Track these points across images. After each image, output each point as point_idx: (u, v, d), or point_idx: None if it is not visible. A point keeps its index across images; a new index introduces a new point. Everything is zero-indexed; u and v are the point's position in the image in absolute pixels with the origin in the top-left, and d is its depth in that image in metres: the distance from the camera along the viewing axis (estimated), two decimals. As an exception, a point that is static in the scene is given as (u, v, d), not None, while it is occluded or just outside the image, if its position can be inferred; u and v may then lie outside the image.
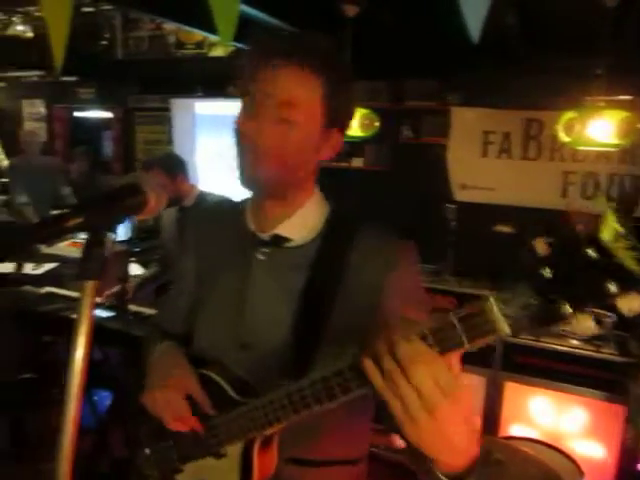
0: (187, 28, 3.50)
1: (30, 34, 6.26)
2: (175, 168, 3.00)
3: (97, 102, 6.61)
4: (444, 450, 0.70)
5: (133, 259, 4.08)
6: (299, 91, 0.91)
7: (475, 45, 1.07)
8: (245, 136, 0.95)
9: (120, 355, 2.99)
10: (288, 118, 0.92)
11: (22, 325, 3.16)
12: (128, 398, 2.81)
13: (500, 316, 0.65)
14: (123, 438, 2.75)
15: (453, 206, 4.00)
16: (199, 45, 5.68)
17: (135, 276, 3.12)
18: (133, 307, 2.62)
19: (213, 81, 5.49)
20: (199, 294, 1.12)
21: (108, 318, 2.57)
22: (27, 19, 6.04)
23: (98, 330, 2.64)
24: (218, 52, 5.58)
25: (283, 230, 1.03)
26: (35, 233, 0.74)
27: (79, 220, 0.74)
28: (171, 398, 0.98)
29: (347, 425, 1.00)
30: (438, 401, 0.65)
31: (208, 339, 1.08)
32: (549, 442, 2.54)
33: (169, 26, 5.96)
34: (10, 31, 5.87)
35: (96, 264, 0.72)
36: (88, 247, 0.73)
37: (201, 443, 1.00)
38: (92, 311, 0.72)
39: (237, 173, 0.99)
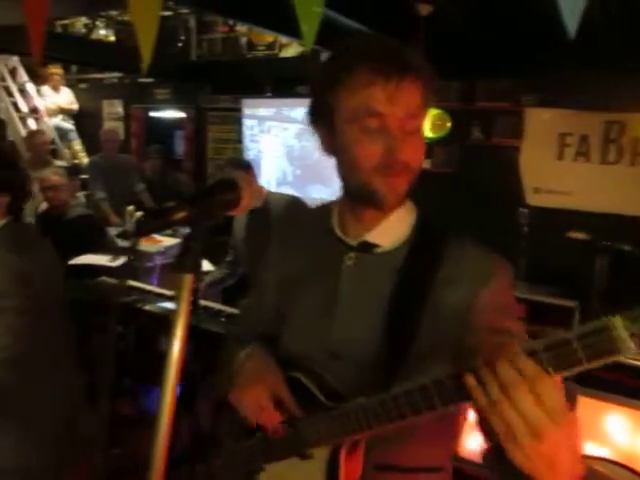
0: (265, 31, 3.55)
1: (112, 38, 6.59)
2: (245, 169, 3.04)
3: (171, 102, 6.85)
4: (547, 473, 0.68)
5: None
6: (417, 101, 0.92)
7: (557, 43, 1.02)
8: (374, 154, 0.92)
9: (189, 348, 3.09)
10: (414, 130, 0.94)
11: (97, 315, 3.32)
12: (195, 391, 2.90)
13: (626, 335, 0.62)
14: (190, 430, 2.84)
15: (526, 210, 3.87)
16: (270, 46, 5.77)
17: (206, 272, 3.20)
18: (203, 302, 2.69)
19: (283, 81, 5.58)
20: (285, 299, 1.11)
21: (179, 312, 2.65)
22: (110, 23, 6.36)
23: (169, 322, 2.73)
24: (288, 53, 5.65)
25: (373, 237, 1.01)
26: (145, 224, 0.77)
27: (184, 214, 0.76)
28: (259, 397, 0.99)
29: (433, 432, 0.97)
30: (544, 426, 0.64)
31: (296, 345, 1.07)
32: (625, 463, 2.41)
33: (241, 28, 6.11)
34: (94, 35, 6.21)
35: (194, 258, 0.73)
36: (187, 241, 0.74)
37: (286, 443, 1.00)
38: (189, 304, 0.74)
39: (346, 184, 1.01)
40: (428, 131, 3.36)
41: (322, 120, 0.98)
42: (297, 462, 1.00)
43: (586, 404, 3.05)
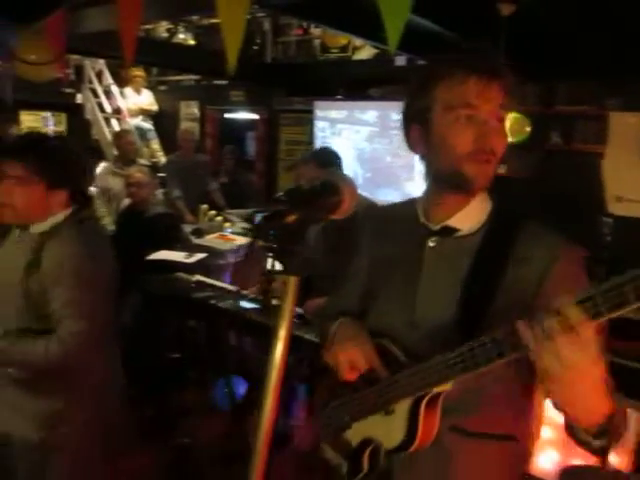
0: (344, 34, 3.54)
1: (191, 41, 6.84)
2: (329, 163, 2.93)
3: (245, 104, 7.02)
4: (579, 406, 0.86)
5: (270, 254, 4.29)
6: (501, 100, 1.05)
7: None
8: (467, 141, 1.04)
9: (257, 345, 3.14)
10: (499, 123, 1.06)
11: (173, 309, 3.45)
12: (261, 387, 2.95)
13: None
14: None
15: (610, 220, 3.68)
16: (343, 49, 5.80)
17: (278, 272, 3.22)
18: (275, 302, 2.73)
19: (355, 83, 5.59)
20: (375, 280, 1.24)
21: (251, 309, 2.72)
22: (190, 27, 6.59)
23: (240, 319, 2.79)
24: (361, 55, 5.66)
25: (453, 222, 1.12)
26: (262, 227, 0.80)
27: (293, 217, 0.79)
28: (351, 356, 1.13)
29: (508, 401, 1.08)
30: (575, 365, 0.78)
31: (382, 317, 1.19)
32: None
33: (315, 31, 6.17)
34: (175, 38, 6.46)
35: (299, 260, 0.75)
36: (291, 244, 0.76)
37: (372, 400, 1.12)
38: (294, 306, 0.75)
39: (439, 172, 1.12)
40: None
41: (418, 119, 1.10)
42: (381, 418, 1.11)
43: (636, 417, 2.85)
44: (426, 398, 1.03)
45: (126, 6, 1.83)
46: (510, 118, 3.26)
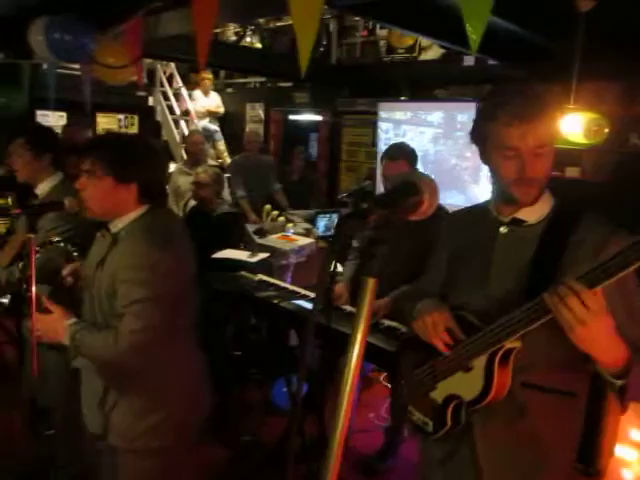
0: (415, 34, 3.47)
1: (258, 45, 6.96)
2: (414, 162, 2.89)
3: (309, 106, 7.06)
4: (597, 350, 1.12)
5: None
6: (546, 134, 1.28)
7: None
8: (511, 173, 1.30)
9: (318, 346, 3.14)
10: (543, 153, 1.28)
11: (236, 306, 3.50)
12: (321, 387, 2.94)
13: None
14: (316, 424, 2.89)
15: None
16: (409, 49, 5.73)
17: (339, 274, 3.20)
18: (337, 304, 2.72)
19: (421, 84, 5.51)
20: (455, 266, 1.49)
21: (313, 310, 2.71)
22: (257, 31, 6.71)
23: (302, 319, 2.78)
24: (428, 56, 5.57)
25: (522, 214, 1.36)
26: (346, 224, 0.82)
27: (375, 217, 0.80)
28: (435, 322, 1.36)
29: (571, 363, 1.23)
30: (587, 318, 1.06)
31: (461, 294, 1.42)
32: None
33: (381, 32, 6.13)
34: (242, 42, 6.58)
35: (378, 262, 0.73)
36: (371, 245, 0.74)
37: (453, 361, 1.34)
38: (370, 308, 0.73)
39: (500, 190, 1.39)
40: (582, 137, 3.10)
41: (479, 143, 1.36)
42: (462, 375, 1.32)
43: None
44: (499, 354, 1.24)
45: (201, 10, 1.87)
46: (587, 119, 3.10)
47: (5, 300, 2.35)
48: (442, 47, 5.14)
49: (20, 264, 2.03)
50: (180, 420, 1.79)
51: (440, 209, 2.91)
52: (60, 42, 2.38)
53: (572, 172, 4.25)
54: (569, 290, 1.06)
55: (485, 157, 1.36)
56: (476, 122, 1.36)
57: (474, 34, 1.22)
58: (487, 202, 1.48)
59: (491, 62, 4.46)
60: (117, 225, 1.73)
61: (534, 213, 1.35)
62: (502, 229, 1.38)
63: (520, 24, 3.11)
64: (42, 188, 2.47)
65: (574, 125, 3.10)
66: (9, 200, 4.59)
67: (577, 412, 1.30)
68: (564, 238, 1.28)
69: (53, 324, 1.68)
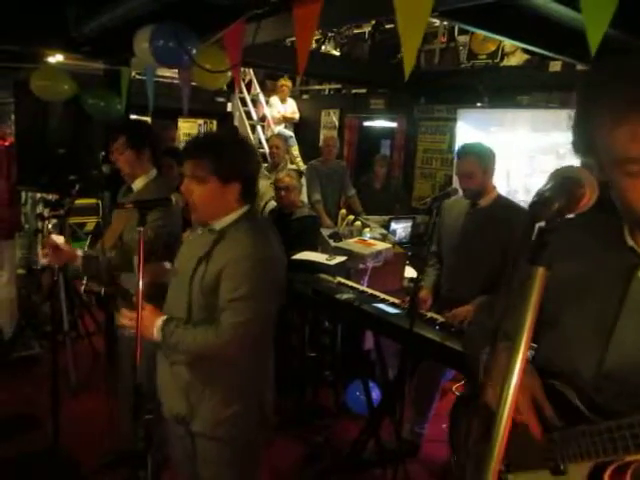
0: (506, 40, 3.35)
1: (336, 52, 7.04)
2: (488, 160, 2.86)
3: (384, 112, 7.06)
4: None
5: (407, 262, 4.27)
6: None
7: None
8: None
9: (396, 352, 3.13)
10: None
11: (314, 308, 3.54)
12: (398, 394, 2.92)
13: None
14: (393, 429, 2.88)
15: None
16: (492, 55, 5.63)
17: (415, 278, 3.18)
18: (421, 310, 2.71)
19: (502, 90, 5.39)
20: (553, 305, 1.05)
21: (393, 314, 2.71)
22: (337, 38, 6.80)
23: (381, 323, 2.77)
24: (511, 62, 5.45)
25: None
26: (536, 210, 0.78)
27: (558, 206, 0.76)
28: (518, 398, 0.93)
29: None
30: None
31: (562, 353, 1.03)
32: None
33: (461, 38, 6.05)
34: (322, 49, 6.68)
35: (547, 251, 0.73)
36: (543, 234, 0.74)
37: (538, 453, 0.97)
38: (539, 298, 0.73)
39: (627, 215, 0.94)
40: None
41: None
42: (547, 476, 0.95)
43: None
44: (612, 466, 0.86)
45: (302, 15, 1.92)
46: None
47: (100, 290, 2.51)
48: (527, 53, 5.01)
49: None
50: (261, 413, 1.84)
51: (510, 203, 2.86)
52: (164, 48, 2.51)
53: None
54: None
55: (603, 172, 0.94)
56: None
57: (594, 38, 1.19)
58: (620, 217, 0.99)
59: (579, 67, 4.31)
60: (221, 223, 1.79)
61: None
62: None
63: (617, 27, 2.98)
64: (138, 184, 2.62)
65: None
66: (103, 198, 4.87)
67: None
68: None
69: (143, 320, 1.73)
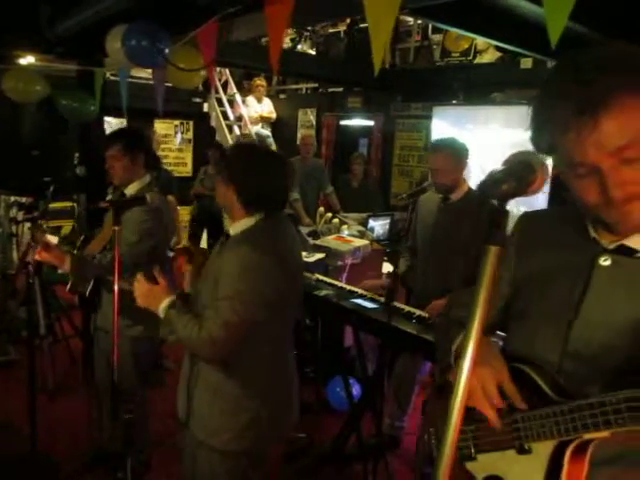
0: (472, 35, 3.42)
1: (312, 51, 7.06)
2: (460, 155, 2.90)
3: (361, 111, 7.11)
4: None
5: (385, 258, 4.31)
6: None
7: None
8: (593, 196, 0.90)
9: (375, 346, 3.16)
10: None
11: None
12: (378, 389, 2.95)
13: None
14: (374, 425, 2.91)
15: None
16: (464, 53, 5.71)
17: (388, 274, 3.22)
18: (396, 303, 2.73)
19: (476, 87, 5.47)
20: (521, 297, 1.12)
21: (373, 309, 2.74)
22: (313, 37, 6.82)
23: (360, 318, 2.79)
24: (484, 59, 5.53)
25: (633, 243, 0.96)
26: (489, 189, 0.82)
27: (507, 187, 0.80)
28: (484, 380, 0.99)
29: None
30: None
31: (529, 339, 1.06)
32: None
33: (435, 37, 6.13)
34: (298, 48, 6.70)
35: (503, 233, 0.76)
36: (497, 215, 0.77)
37: (504, 434, 1.00)
38: (495, 278, 0.76)
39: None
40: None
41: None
42: (513, 455, 0.99)
43: None
44: (574, 443, 0.89)
45: (275, 13, 1.94)
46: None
47: (85, 291, 2.52)
48: (499, 50, 5.09)
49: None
50: (263, 430, 1.81)
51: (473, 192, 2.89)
52: (136, 48, 2.51)
53: None
54: None
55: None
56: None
57: (554, 32, 1.23)
58: (579, 209, 1.01)
59: (550, 64, 4.40)
60: (234, 229, 1.82)
61: None
62: (603, 260, 0.98)
63: (583, 24, 3.05)
64: (131, 189, 2.60)
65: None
66: (78, 201, 4.82)
67: None
68: None
69: (155, 291, 1.79)
